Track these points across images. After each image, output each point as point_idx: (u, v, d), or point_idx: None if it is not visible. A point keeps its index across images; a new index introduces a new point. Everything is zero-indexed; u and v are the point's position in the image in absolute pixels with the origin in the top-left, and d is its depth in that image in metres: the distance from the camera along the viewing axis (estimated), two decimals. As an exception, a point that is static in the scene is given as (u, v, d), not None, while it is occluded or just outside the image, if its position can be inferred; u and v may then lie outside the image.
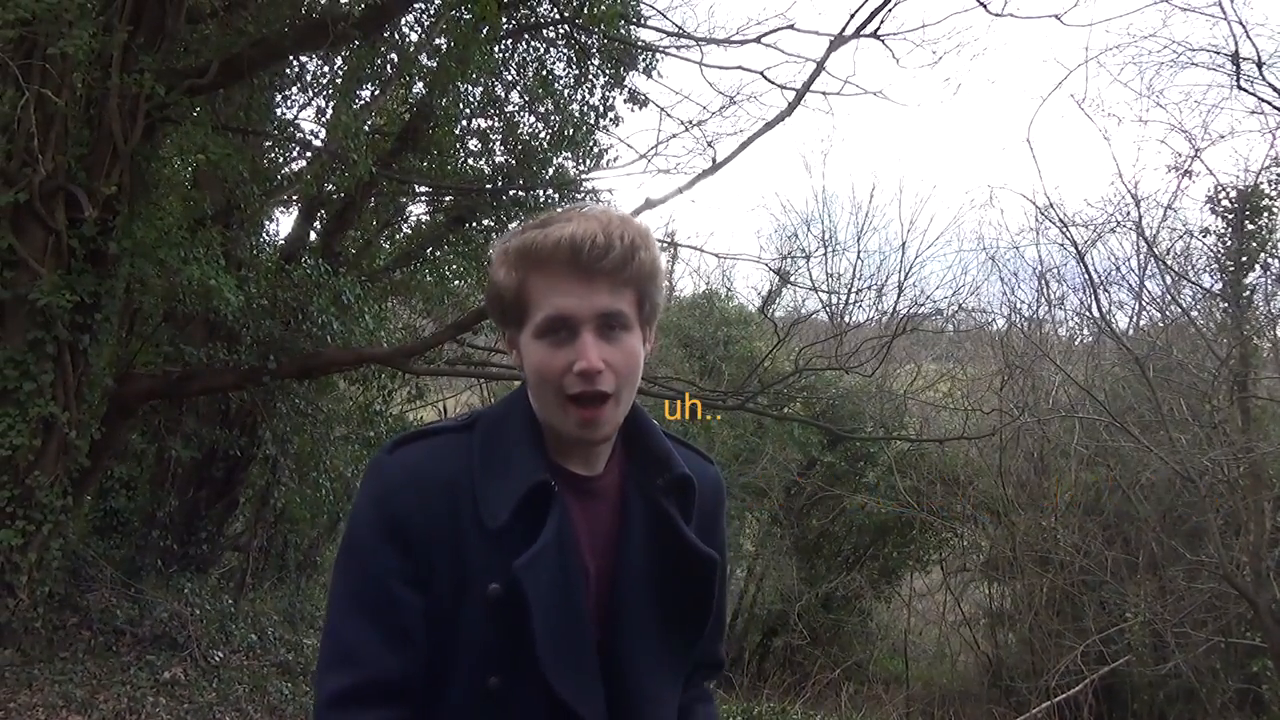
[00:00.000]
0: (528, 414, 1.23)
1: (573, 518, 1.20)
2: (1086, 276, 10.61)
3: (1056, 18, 7.22)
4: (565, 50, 8.98)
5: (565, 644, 1.16)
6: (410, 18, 7.82)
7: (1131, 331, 11.88)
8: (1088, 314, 12.53)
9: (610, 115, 9.25)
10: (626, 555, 1.23)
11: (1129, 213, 9.81)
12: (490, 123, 9.62)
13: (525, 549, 1.14)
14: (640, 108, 9.32)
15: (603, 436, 1.20)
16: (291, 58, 7.42)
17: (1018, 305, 14.05)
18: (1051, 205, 10.34)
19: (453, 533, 1.15)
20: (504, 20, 7.79)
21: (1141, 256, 11.28)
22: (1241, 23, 10.72)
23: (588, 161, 9.83)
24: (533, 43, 9.01)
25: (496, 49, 8.05)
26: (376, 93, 8.84)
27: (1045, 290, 13.23)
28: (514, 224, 10.12)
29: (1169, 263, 10.34)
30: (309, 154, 8.46)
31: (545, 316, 1.15)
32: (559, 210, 1.21)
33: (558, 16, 8.47)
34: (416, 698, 1.16)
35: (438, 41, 7.46)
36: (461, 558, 1.15)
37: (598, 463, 1.26)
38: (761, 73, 9.69)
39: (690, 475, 1.29)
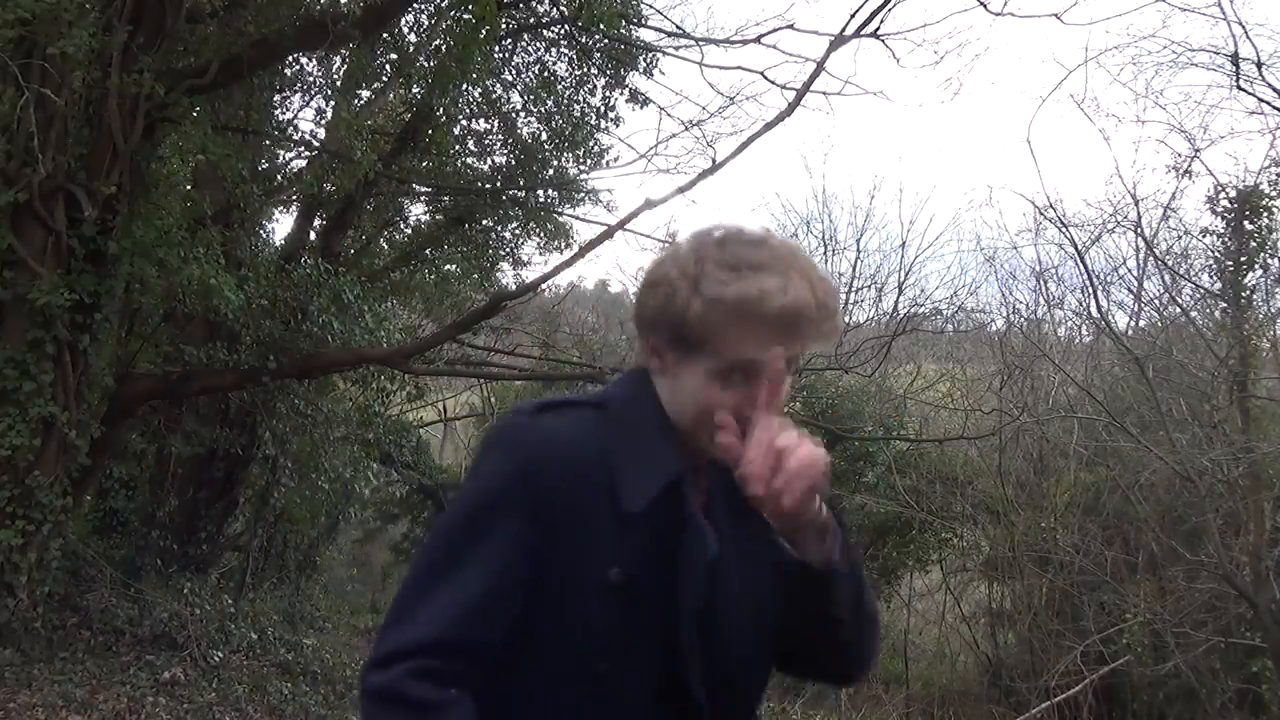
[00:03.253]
0: (654, 402, 1.21)
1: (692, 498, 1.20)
2: (1086, 276, 10.62)
3: (1056, 17, 7.23)
4: (565, 50, 8.99)
5: (699, 638, 1.16)
6: (410, 18, 7.83)
7: (1131, 331, 11.89)
8: (1087, 314, 12.55)
9: (611, 115, 9.26)
10: (713, 524, 1.23)
11: (1128, 213, 9.81)
12: (490, 123, 9.64)
13: (652, 537, 1.14)
14: (641, 107, 9.33)
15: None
16: (291, 58, 7.42)
17: (1017, 305, 14.07)
18: (1051, 205, 10.31)
19: (586, 512, 1.13)
20: (504, 20, 7.79)
21: (1141, 256, 11.29)
22: (1241, 23, 10.73)
23: (588, 161, 9.84)
24: (533, 43, 9.02)
25: (496, 49, 8.05)
26: (376, 92, 8.85)
27: (1044, 290, 13.25)
28: (513, 224, 10.15)
29: (1168, 263, 10.34)
30: (309, 154, 8.46)
31: (731, 362, 1.13)
32: (751, 240, 1.15)
33: (558, 16, 8.47)
34: (488, 669, 1.12)
35: (437, 42, 7.47)
36: (588, 538, 1.13)
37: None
38: (761, 73, 9.70)
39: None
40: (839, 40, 7.19)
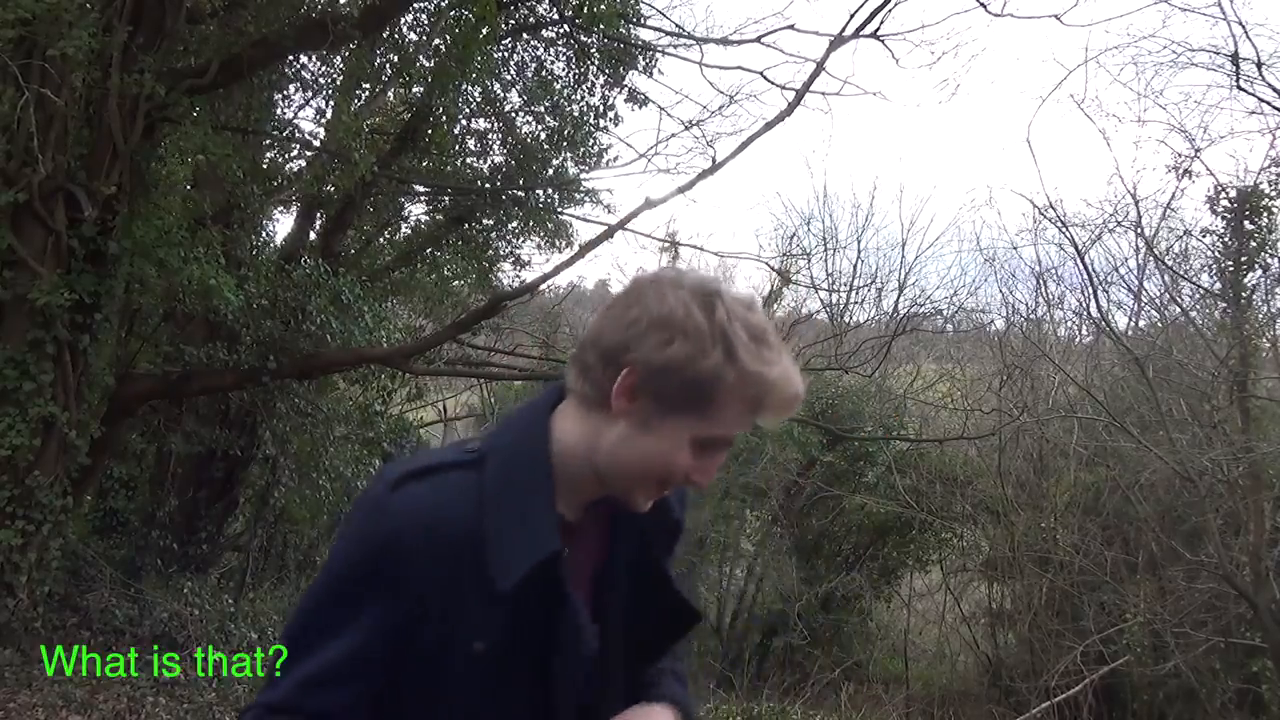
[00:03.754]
0: (541, 456, 1.13)
1: (572, 567, 1.15)
2: (1086, 276, 10.63)
3: (1056, 18, 7.23)
4: (565, 50, 8.98)
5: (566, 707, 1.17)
6: (409, 18, 7.82)
7: (1130, 331, 11.89)
8: (1087, 314, 12.55)
9: (610, 115, 9.25)
10: (605, 595, 1.22)
11: (1128, 213, 9.83)
12: (489, 123, 9.63)
13: (525, 609, 1.11)
14: (640, 107, 9.32)
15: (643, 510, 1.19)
16: (291, 58, 7.42)
17: (1017, 305, 14.07)
18: (1051, 205, 10.32)
19: (451, 586, 1.09)
20: (503, 20, 7.79)
21: (1141, 256, 11.30)
22: (1241, 23, 10.72)
23: (588, 162, 9.84)
24: (532, 43, 9.02)
25: (496, 49, 8.05)
26: (376, 93, 8.84)
27: (1044, 290, 13.25)
28: (513, 224, 10.17)
29: (1168, 263, 10.35)
30: (309, 154, 8.46)
31: (721, 436, 1.12)
32: (752, 306, 1.13)
33: (557, 16, 8.47)
34: None
35: (437, 42, 7.46)
36: (455, 611, 1.10)
37: (600, 499, 1.21)
38: (761, 73, 9.69)
39: (680, 521, 1.29)
40: (839, 40, 7.18)
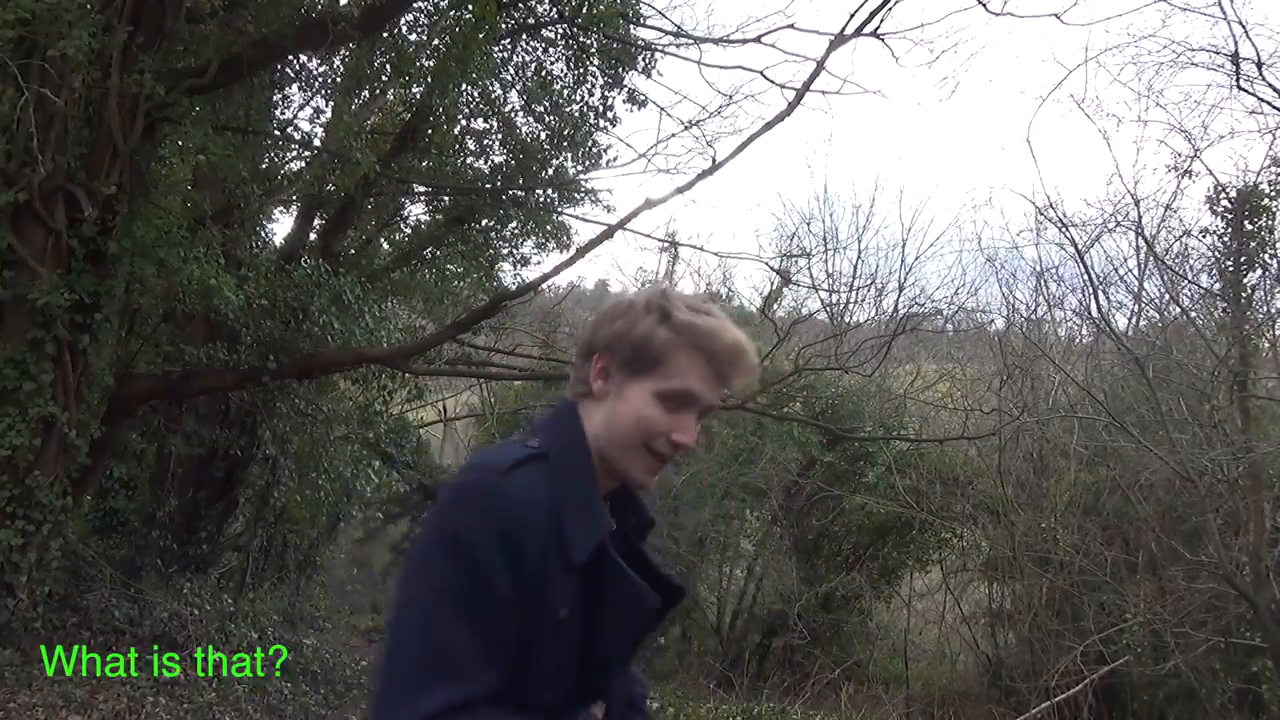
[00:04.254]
0: (584, 451, 1.34)
1: None
2: (1086, 276, 10.63)
3: (1056, 16, 7.23)
4: (564, 50, 8.98)
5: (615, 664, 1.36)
6: (409, 18, 7.82)
7: (1130, 331, 11.88)
8: (1087, 314, 12.54)
9: (609, 115, 9.25)
10: None
11: (1128, 213, 9.82)
12: (489, 123, 9.63)
13: (591, 581, 1.29)
14: (639, 108, 9.32)
15: (651, 485, 1.39)
16: (291, 58, 7.42)
17: (1017, 305, 14.07)
18: (1051, 205, 10.32)
19: (545, 562, 1.25)
20: (503, 20, 7.79)
21: (1141, 256, 11.29)
22: (1241, 23, 10.72)
23: (586, 162, 9.83)
24: (531, 43, 9.01)
25: (495, 49, 8.05)
26: (376, 93, 8.84)
27: (1044, 290, 13.25)
28: (513, 224, 10.17)
29: (1168, 263, 10.34)
30: (309, 154, 8.46)
31: (678, 388, 1.31)
32: (703, 302, 1.35)
33: (556, 16, 8.47)
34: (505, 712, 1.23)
35: (436, 42, 7.46)
36: (546, 584, 1.25)
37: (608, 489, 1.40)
38: (761, 72, 9.70)
39: (654, 519, 1.52)
40: (839, 40, 7.19)
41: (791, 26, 8.20)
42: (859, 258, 17.28)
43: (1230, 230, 8.90)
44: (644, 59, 9.04)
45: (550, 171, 9.65)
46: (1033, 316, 13.64)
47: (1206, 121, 19.51)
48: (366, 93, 8.66)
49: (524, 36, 8.91)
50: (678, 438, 1.31)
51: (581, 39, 8.63)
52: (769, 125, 7.07)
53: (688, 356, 1.30)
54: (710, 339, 1.30)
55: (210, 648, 7.00)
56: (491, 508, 1.23)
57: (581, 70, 8.98)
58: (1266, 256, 8.92)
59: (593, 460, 1.33)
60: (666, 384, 1.30)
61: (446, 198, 9.80)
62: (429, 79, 7.45)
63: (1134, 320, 12.42)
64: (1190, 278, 10.34)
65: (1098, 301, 10.89)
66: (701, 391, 1.31)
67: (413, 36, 7.91)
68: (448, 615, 1.19)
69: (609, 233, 7.53)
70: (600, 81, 9.11)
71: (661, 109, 9.44)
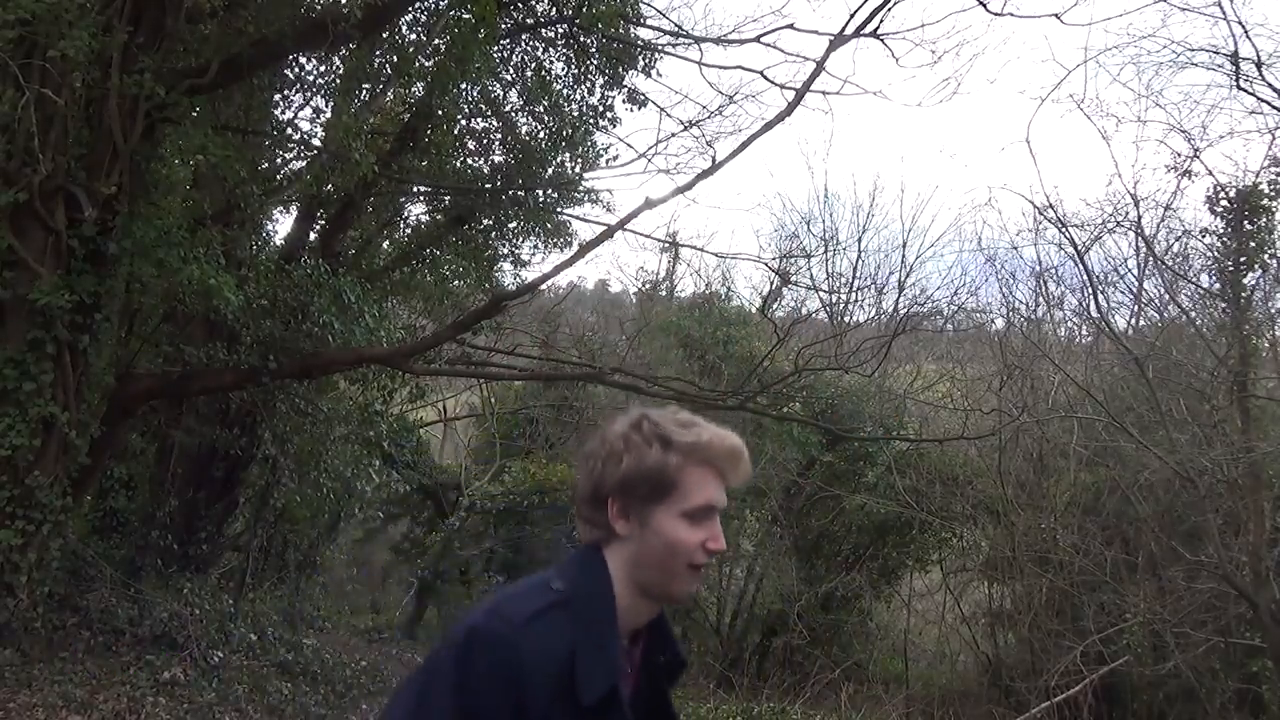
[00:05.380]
0: (611, 594, 1.41)
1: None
2: (1085, 276, 10.62)
3: (1056, 16, 7.23)
4: (564, 50, 8.98)
5: None
6: (409, 18, 7.82)
7: (1130, 331, 11.89)
8: (1087, 314, 12.55)
9: (609, 115, 9.24)
10: (637, 713, 1.45)
11: (1128, 213, 9.81)
12: (489, 123, 9.62)
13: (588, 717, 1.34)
14: (639, 108, 9.32)
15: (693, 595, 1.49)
16: (291, 58, 7.42)
17: (1017, 305, 14.07)
18: (1051, 205, 10.30)
19: (551, 705, 1.31)
20: (502, 20, 7.79)
21: (1140, 256, 11.30)
22: (1241, 23, 10.73)
23: (586, 162, 9.83)
24: (531, 42, 9.01)
25: (495, 49, 8.04)
26: (375, 93, 8.84)
27: (1044, 290, 13.26)
28: (513, 224, 10.18)
29: (1168, 263, 10.35)
30: (309, 154, 8.46)
31: (701, 504, 1.41)
32: (678, 414, 1.47)
33: (556, 16, 8.46)
34: None
35: (436, 42, 7.46)
36: None
37: (638, 625, 1.48)
38: (761, 72, 9.72)
39: (685, 661, 1.59)
40: (839, 39, 7.18)
41: (791, 27, 8.20)
42: (859, 258, 17.31)
43: (1230, 230, 8.90)
44: (644, 59, 9.04)
45: (550, 171, 9.63)
46: (1032, 316, 13.66)
47: (1206, 121, 19.59)
48: (366, 93, 8.66)
49: (524, 36, 8.90)
50: (713, 545, 1.41)
51: (581, 39, 8.62)
52: (769, 125, 7.07)
53: (699, 472, 1.41)
54: (713, 451, 1.42)
55: (210, 648, 7.01)
56: (505, 659, 1.30)
57: (581, 70, 8.97)
58: (1266, 256, 8.92)
59: (616, 603, 1.41)
60: (689, 503, 1.40)
61: (446, 198, 9.79)
62: (429, 79, 7.45)
63: (1134, 320, 12.44)
64: (1190, 278, 10.36)
65: (1097, 301, 10.90)
66: (718, 499, 1.43)
67: (413, 36, 7.90)
68: None
69: (609, 233, 7.54)
70: (600, 81, 9.11)
71: (661, 109, 9.46)
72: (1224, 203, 8.90)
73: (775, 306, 16.71)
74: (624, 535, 1.42)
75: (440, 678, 1.32)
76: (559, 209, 10.14)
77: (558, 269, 8.77)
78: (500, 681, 1.29)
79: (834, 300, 17.33)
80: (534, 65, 9.00)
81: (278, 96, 8.16)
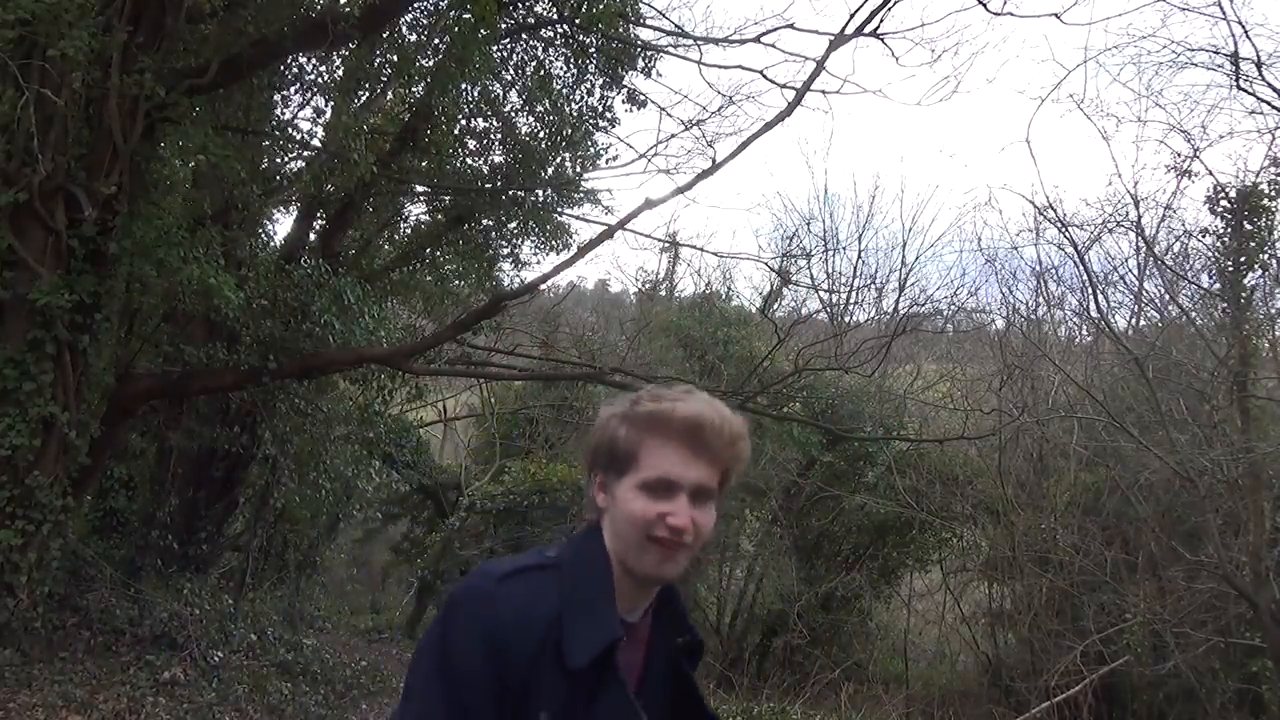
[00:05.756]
0: (605, 562, 1.39)
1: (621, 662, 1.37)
2: (1085, 276, 10.62)
3: (1056, 16, 7.22)
4: (563, 50, 8.98)
5: None
6: (409, 18, 7.82)
7: (1130, 331, 11.89)
8: (1087, 314, 12.55)
9: (608, 115, 9.25)
10: (646, 699, 1.41)
11: (1128, 213, 9.81)
12: (489, 123, 9.62)
13: (590, 689, 1.32)
14: (639, 109, 9.32)
15: (673, 576, 1.38)
16: (291, 58, 7.42)
17: (1017, 305, 14.07)
18: (1051, 205, 10.30)
19: (534, 663, 1.30)
20: (502, 20, 7.79)
21: (1141, 256, 11.30)
22: (1241, 23, 10.73)
23: (586, 162, 9.83)
24: (531, 42, 9.00)
25: (495, 49, 8.04)
26: (375, 93, 8.84)
27: (1044, 290, 13.26)
28: (513, 224, 10.19)
29: (1168, 263, 10.35)
30: (308, 154, 8.46)
31: (654, 477, 1.35)
32: (673, 389, 1.42)
33: (556, 16, 8.46)
34: None
35: (436, 42, 7.46)
36: (533, 685, 1.30)
37: (643, 608, 1.44)
38: (761, 72, 9.71)
39: (703, 641, 1.55)
40: (839, 39, 7.18)
41: (791, 26, 8.19)
42: (859, 258, 17.32)
43: (1230, 230, 8.90)
44: (643, 59, 9.04)
45: (550, 171, 9.64)
46: (1033, 316, 13.66)
47: (1206, 121, 19.57)
48: (366, 93, 8.66)
49: (523, 36, 8.90)
50: (671, 520, 1.33)
51: (581, 39, 8.62)
52: (769, 125, 7.07)
53: (656, 444, 1.36)
54: (665, 421, 1.36)
55: (210, 648, 7.00)
56: (479, 612, 1.31)
57: (581, 70, 8.98)
58: (1266, 256, 8.92)
59: (613, 572, 1.38)
60: (643, 475, 1.35)
61: (446, 198, 9.79)
62: (429, 79, 7.45)
63: (1134, 320, 12.44)
64: (1190, 278, 10.35)
65: (1097, 301, 10.90)
66: (679, 474, 1.35)
67: (413, 36, 7.91)
68: (432, 715, 1.28)
69: (609, 233, 7.54)
70: (599, 81, 9.11)
71: (661, 109, 9.45)
72: (1224, 203, 8.90)
73: (775, 306, 16.72)
74: (604, 509, 1.42)
75: (426, 638, 1.34)
76: (559, 209, 10.14)
77: (558, 269, 8.78)
78: (477, 636, 1.28)
79: (834, 300, 17.34)
80: (534, 65, 9.01)
81: (278, 96, 8.16)
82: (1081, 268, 10.49)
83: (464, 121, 9.21)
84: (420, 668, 1.33)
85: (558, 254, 10.69)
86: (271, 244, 9.40)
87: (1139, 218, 9.68)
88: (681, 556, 1.36)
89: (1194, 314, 10.25)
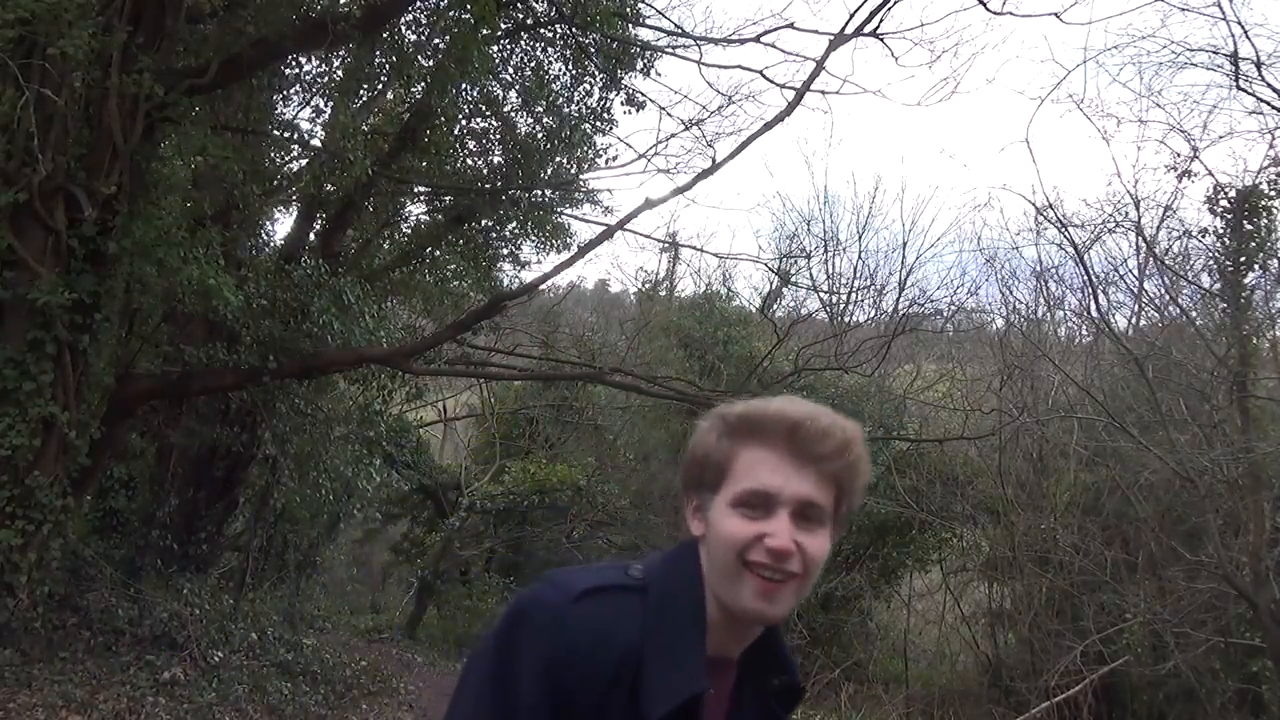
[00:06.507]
0: (698, 593, 1.19)
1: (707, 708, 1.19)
2: (1085, 277, 10.61)
3: (1056, 16, 7.23)
4: (563, 50, 8.98)
5: None
6: (409, 18, 7.82)
7: (1130, 332, 11.89)
8: (1087, 314, 12.55)
9: (606, 117, 9.26)
10: None
11: (1128, 213, 9.80)
12: (488, 123, 9.63)
13: None
14: (638, 110, 9.32)
15: (777, 616, 1.18)
16: (291, 58, 7.42)
17: (1017, 305, 14.07)
18: (1050, 205, 10.29)
19: (604, 699, 1.13)
20: (501, 20, 7.79)
21: (1140, 257, 11.30)
22: (1240, 23, 10.72)
23: (585, 162, 9.84)
24: (530, 43, 9.01)
25: (494, 49, 8.05)
26: (375, 93, 8.84)
27: (1044, 290, 13.26)
28: (512, 224, 10.21)
29: (1168, 263, 10.34)
30: (308, 154, 8.46)
31: (747, 489, 1.15)
32: (784, 397, 1.22)
33: (556, 16, 8.46)
34: None
35: (436, 42, 7.46)
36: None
37: (741, 647, 1.24)
38: (761, 72, 9.71)
39: (803, 689, 1.33)
40: (839, 39, 7.18)
41: (791, 26, 8.19)
42: (859, 258, 17.31)
43: (1230, 230, 8.89)
44: (643, 60, 9.04)
45: (549, 172, 9.65)
46: (1032, 316, 13.66)
47: (1206, 122, 19.57)
48: (365, 93, 8.66)
49: (523, 36, 8.91)
50: (770, 542, 1.12)
51: (580, 39, 8.62)
52: (769, 125, 7.07)
53: (748, 453, 1.16)
54: (759, 423, 1.16)
55: (210, 647, 7.00)
56: (546, 633, 1.14)
57: (580, 70, 8.98)
58: (1266, 256, 8.92)
59: (707, 607, 1.19)
60: (735, 489, 1.16)
61: (446, 198, 9.80)
62: (428, 79, 7.45)
63: (1134, 320, 12.44)
64: (1190, 278, 10.35)
65: (1097, 301, 10.89)
66: (773, 484, 1.14)
67: (412, 36, 7.91)
68: None
69: (609, 233, 7.55)
70: (599, 83, 9.12)
71: (661, 109, 9.45)
72: (1224, 203, 8.90)
73: (775, 307, 16.73)
74: (700, 536, 1.22)
75: (482, 649, 1.19)
76: (558, 209, 10.15)
77: (557, 269, 8.80)
78: (539, 661, 1.12)
79: (834, 300, 17.35)
80: (533, 65, 9.01)
81: (278, 96, 8.17)
82: (1081, 268, 10.50)
83: (463, 121, 9.22)
84: (470, 683, 1.18)
85: (557, 254, 10.71)
86: (271, 244, 9.42)
87: (1139, 218, 9.68)
88: (786, 592, 1.15)
89: (1194, 314, 10.25)
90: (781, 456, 1.14)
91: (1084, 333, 13.90)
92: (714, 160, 7.33)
